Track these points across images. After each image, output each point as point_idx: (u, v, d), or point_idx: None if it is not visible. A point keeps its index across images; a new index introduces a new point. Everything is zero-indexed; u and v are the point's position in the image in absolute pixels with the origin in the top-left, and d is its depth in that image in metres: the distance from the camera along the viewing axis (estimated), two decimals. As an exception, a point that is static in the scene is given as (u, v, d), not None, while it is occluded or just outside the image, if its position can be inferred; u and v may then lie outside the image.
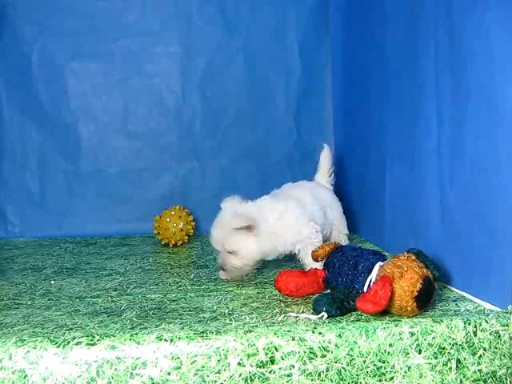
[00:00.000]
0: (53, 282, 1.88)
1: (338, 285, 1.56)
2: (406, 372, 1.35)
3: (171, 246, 2.38)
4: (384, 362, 1.34)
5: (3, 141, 2.63)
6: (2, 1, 2.57)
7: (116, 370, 1.28)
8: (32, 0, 2.59)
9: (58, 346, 1.29)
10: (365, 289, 1.49)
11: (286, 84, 2.77)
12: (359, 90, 2.43)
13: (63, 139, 2.64)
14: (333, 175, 2.25)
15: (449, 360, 1.36)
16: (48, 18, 2.60)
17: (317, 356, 1.32)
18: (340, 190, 2.72)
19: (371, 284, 1.47)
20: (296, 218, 1.85)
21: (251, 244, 1.78)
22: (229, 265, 1.79)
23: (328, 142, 2.75)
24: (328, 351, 1.33)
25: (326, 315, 1.43)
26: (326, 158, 2.25)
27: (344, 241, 2.14)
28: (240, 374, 1.30)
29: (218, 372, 1.30)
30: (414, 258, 1.47)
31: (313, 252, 1.73)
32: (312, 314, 1.45)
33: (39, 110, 2.62)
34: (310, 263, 1.80)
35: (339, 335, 1.34)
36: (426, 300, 1.42)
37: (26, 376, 1.27)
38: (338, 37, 2.68)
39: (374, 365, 1.34)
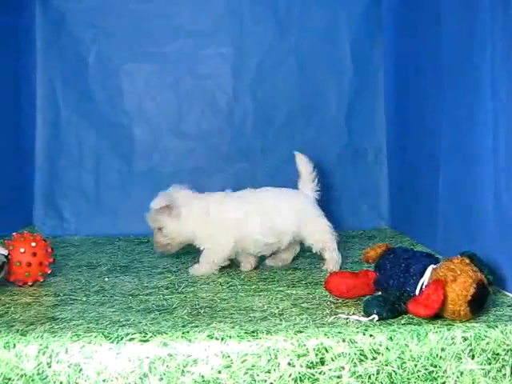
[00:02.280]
0: (107, 279, 1.92)
1: (390, 287, 1.55)
2: (458, 377, 1.32)
3: (222, 245, 2.39)
4: (436, 367, 1.32)
5: (60, 141, 2.70)
6: (60, 7, 2.64)
7: (168, 366, 1.30)
8: (89, 4, 2.65)
9: (112, 342, 1.32)
10: (417, 292, 1.47)
11: (337, 85, 2.76)
12: (412, 90, 2.40)
13: (118, 139, 2.70)
14: (316, 181, 2.12)
15: (503, 366, 1.33)
16: (104, 21, 2.66)
17: (367, 358, 1.31)
18: (392, 191, 2.70)
19: (423, 287, 1.45)
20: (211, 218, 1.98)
21: (171, 223, 1.97)
22: (156, 239, 2.01)
23: (379, 144, 2.77)
24: (379, 354, 1.31)
25: (376, 317, 1.41)
26: (301, 164, 2.14)
27: (329, 257, 2.01)
28: (290, 375, 1.31)
29: (268, 372, 1.30)
30: (467, 261, 1.44)
31: (364, 253, 1.72)
32: (362, 315, 1.44)
33: (95, 110, 2.69)
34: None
35: (390, 338, 1.32)
36: (479, 305, 1.39)
37: (80, 370, 1.31)
38: (391, 37, 2.65)
39: (426, 369, 1.32)
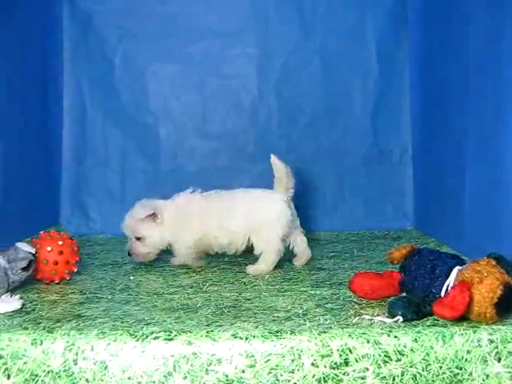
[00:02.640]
0: (132, 277, 1.94)
1: (415, 288, 1.54)
2: (484, 380, 1.31)
3: (246, 245, 2.40)
4: (461, 369, 1.31)
5: (86, 141, 2.73)
6: (87, 9, 2.67)
7: (192, 365, 1.31)
8: (115, 6, 2.67)
9: (137, 340, 1.33)
10: (442, 293, 1.46)
11: (362, 84, 2.74)
12: (438, 89, 2.38)
13: (143, 139, 2.72)
14: (292, 182, 2.13)
15: (530, 369, 1.32)
16: (130, 22, 2.68)
17: (392, 360, 1.31)
18: (417, 192, 2.68)
19: (449, 289, 1.44)
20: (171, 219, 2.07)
21: (155, 232, 2.05)
22: (136, 251, 2.07)
23: (405, 144, 2.75)
24: (403, 355, 1.31)
25: (401, 319, 1.41)
26: (275, 166, 2.13)
27: (259, 263, 2.00)
28: (313, 375, 1.31)
29: (292, 372, 1.30)
30: (494, 263, 1.42)
31: (388, 254, 1.71)
32: (387, 317, 1.44)
33: (121, 111, 2.71)
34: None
35: (415, 340, 1.32)
36: (506, 307, 1.38)
37: (106, 367, 1.32)
38: (416, 36, 2.63)
39: (451, 371, 1.31)
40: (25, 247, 1.69)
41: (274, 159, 2.12)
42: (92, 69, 2.70)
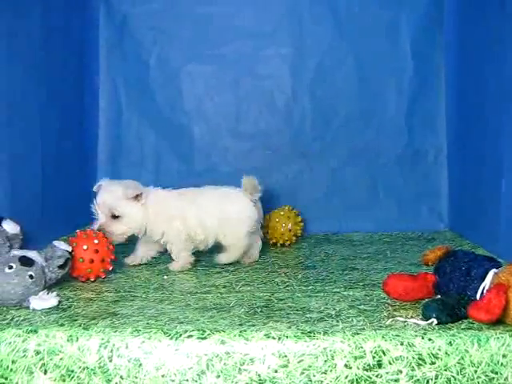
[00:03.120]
0: (165, 276, 1.95)
1: (449, 291, 1.52)
2: (520, 384, 1.29)
3: (279, 245, 2.40)
4: (497, 374, 1.29)
5: (122, 141, 2.76)
6: (122, 10, 2.70)
7: (225, 364, 1.32)
8: (150, 7, 2.70)
9: (171, 338, 1.34)
10: (477, 296, 1.44)
11: (397, 84, 2.72)
12: (474, 89, 2.35)
13: (177, 139, 2.74)
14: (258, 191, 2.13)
15: None
16: (164, 23, 2.70)
17: (426, 363, 1.30)
18: (452, 193, 2.65)
19: (484, 291, 1.42)
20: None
21: (138, 212, 2.02)
22: (109, 228, 1.97)
23: (440, 144, 2.72)
24: (437, 358, 1.30)
25: (435, 321, 1.39)
26: (250, 184, 2.15)
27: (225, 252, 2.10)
28: (346, 376, 1.30)
29: (325, 372, 1.30)
30: (531, 266, 1.41)
31: (423, 255, 1.69)
32: (421, 319, 1.42)
33: (155, 111, 2.73)
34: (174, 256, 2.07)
35: (450, 343, 1.30)
36: (543, 311, 1.36)
37: (140, 365, 1.34)
38: (453, 35, 2.60)
39: (486, 375, 1.29)
40: (61, 245, 1.72)
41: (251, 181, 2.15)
42: (127, 69, 2.73)
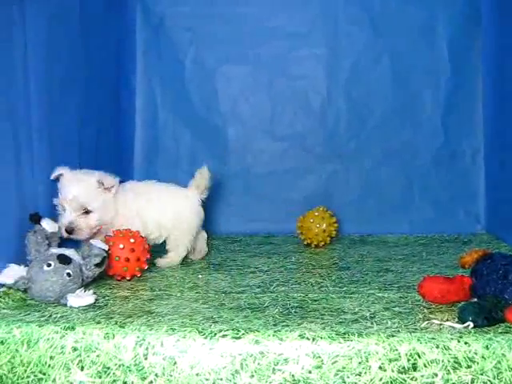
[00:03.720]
0: (200, 276, 1.97)
1: (486, 294, 1.50)
2: (559, 390, 1.27)
3: (313, 246, 2.40)
4: (535, 378, 1.27)
5: (158, 142, 2.78)
6: (159, 11, 2.73)
7: (259, 364, 1.32)
8: (186, 8, 2.72)
9: (206, 338, 1.35)
10: (515, 300, 1.42)
11: (433, 84, 2.69)
12: (512, 89, 2.32)
13: (212, 140, 2.75)
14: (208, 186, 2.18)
15: None
16: (201, 24, 2.72)
17: (461, 366, 1.28)
18: (489, 194, 2.61)
19: (522, 295, 1.41)
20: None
21: (109, 205, 1.94)
22: (81, 225, 1.88)
23: (477, 145, 2.68)
24: (474, 362, 1.28)
25: (471, 325, 1.37)
26: (203, 175, 2.17)
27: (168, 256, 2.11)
28: (381, 379, 1.29)
29: (359, 374, 1.30)
30: None
31: (460, 258, 1.67)
32: (457, 322, 1.41)
33: (191, 112, 2.75)
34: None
35: (486, 347, 1.29)
36: None
37: (175, 363, 1.35)
38: (490, 34, 2.56)
39: (524, 380, 1.28)
40: (98, 244, 1.74)
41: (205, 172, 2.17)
42: (163, 70, 2.75)
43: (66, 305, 1.59)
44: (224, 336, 1.35)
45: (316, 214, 2.41)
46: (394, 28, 2.67)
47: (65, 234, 1.88)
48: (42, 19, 1.90)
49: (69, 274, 1.65)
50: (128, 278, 1.87)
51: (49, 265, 1.64)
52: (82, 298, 1.61)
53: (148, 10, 2.74)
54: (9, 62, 1.73)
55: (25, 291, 1.65)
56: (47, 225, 1.78)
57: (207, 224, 2.71)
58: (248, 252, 2.32)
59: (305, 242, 2.42)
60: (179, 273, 2.00)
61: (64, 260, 1.66)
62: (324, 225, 2.39)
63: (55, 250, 1.73)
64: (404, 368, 1.29)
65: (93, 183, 1.91)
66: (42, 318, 1.49)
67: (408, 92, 2.70)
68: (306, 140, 2.72)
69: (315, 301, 1.64)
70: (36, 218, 1.77)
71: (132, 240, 1.87)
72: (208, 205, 2.72)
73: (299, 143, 2.72)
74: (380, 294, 1.70)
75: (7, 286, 1.65)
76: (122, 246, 1.85)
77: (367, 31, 2.69)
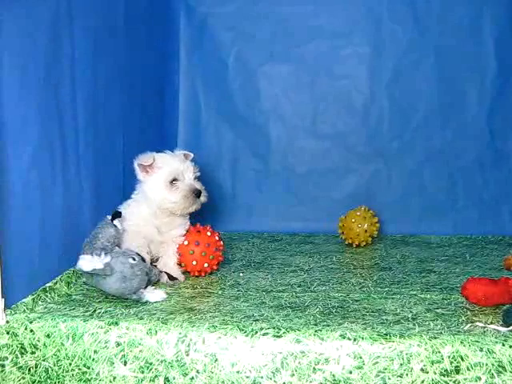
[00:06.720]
0: (241, 274, 1.98)
1: (532, 297, 1.48)
2: None
3: (354, 246, 2.39)
4: None
5: (200, 140, 2.80)
6: (202, 12, 2.75)
7: (300, 363, 1.32)
8: (229, 8, 2.73)
9: (247, 335, 1.36)
10: (562, 303, 1.39)
11: (479, 84, 2.63)
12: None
13: (254, 139, 2.76)
14: None
15: None
16: (243, 24, 2.72)
17: (506, 370, 1.26)
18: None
19: None
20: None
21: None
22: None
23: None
24: (519, 366, 1.26)
25: (517, 328, 1.36)
26: None
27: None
28: (422, 381, 1.28)
29: (400, 376, 1.29)
30: None
31: (505, 260, 1.64)
32: (502, 325, 1.39)
33: (233, 111, 2.76)
34: None
35: (532, 350, 1.26)
36: None
37: (216, 360, 1.37)
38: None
39: None
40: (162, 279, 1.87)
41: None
42: (206, 70, 2.77)
43: (138, 300, 1.63)
44: (265, 334, 1.36)
45: (358, 213, 2.40)
46: (439, 26, 2.63)
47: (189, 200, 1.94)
48: (89, 32, 1.94)
49: (146, 273, 1.71)
50: (208, 272, 1.94)
51: (134, 258, 1.68)
52: (156, 294, 1.66)
53: (191, 10, 2.77)
54: (58, 71, 1.77)
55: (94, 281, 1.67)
56: (119, 223, 1.79)
57: (249, 223, 2.74)
58: (288, 251, 2.32)
59: (346, 242, 2.41)
60: (220, 271, 2.01)
61: (142, 257, 1.73)
62: (366, 225, 2.38)
63: (121, 250, 1.75)
64: (446, 371, 1.28)
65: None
66: (87, 313, 1.52)
67: (452, 91, 2.65)
68: (348, 139, 2.71)
69: (356, 301, 1.64)
70: (118, 216, 1.79)
71: (209, 233, 1.93)
72: (249, 203, 2.75)
73: (341, 142, 2.71)
74: (422, 295, 1.69)
75: (85, 273, 1.66)
76: (197, 242, 1.90)
77: (411, 30, 2.65)
